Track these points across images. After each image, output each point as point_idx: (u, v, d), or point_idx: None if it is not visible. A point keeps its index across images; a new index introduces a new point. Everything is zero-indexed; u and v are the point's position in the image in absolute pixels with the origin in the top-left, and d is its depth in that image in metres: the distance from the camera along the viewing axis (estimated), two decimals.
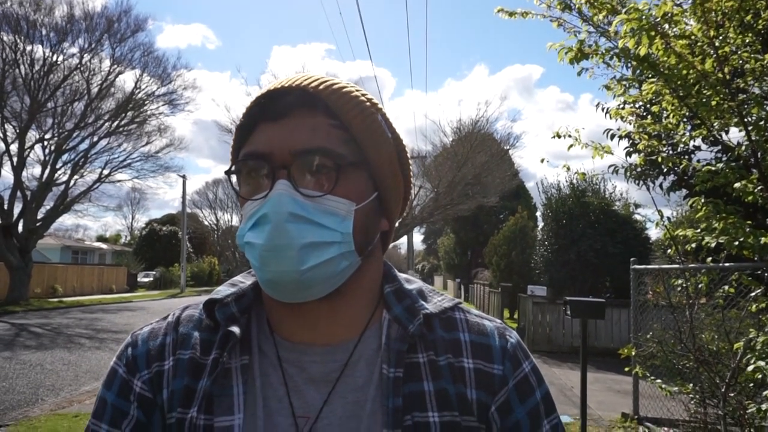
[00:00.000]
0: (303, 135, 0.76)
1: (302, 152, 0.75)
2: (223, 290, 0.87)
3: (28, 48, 23.34)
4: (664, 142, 4.32)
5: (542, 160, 4.95)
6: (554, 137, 4.45)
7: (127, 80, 39.69)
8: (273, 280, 0.75)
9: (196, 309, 0.88)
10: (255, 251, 0.75)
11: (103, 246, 51.02)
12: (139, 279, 41.53)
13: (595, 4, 3.61)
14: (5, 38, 22.58)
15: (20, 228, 23.72)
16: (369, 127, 0.81)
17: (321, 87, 0.78)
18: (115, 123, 26.26)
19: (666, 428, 6.06)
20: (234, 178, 0.83)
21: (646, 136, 4.11)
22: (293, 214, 0.73)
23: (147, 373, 0.82)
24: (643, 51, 3.19)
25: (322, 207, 0.75)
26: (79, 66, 24.45)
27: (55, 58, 23.87)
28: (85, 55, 24.53)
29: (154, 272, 43.72)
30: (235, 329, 0.79)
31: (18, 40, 22.77)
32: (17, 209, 23.58)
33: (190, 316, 0.87)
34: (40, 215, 24.79)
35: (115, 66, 25.53)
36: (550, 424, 0.84)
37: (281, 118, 0.78)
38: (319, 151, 0.76)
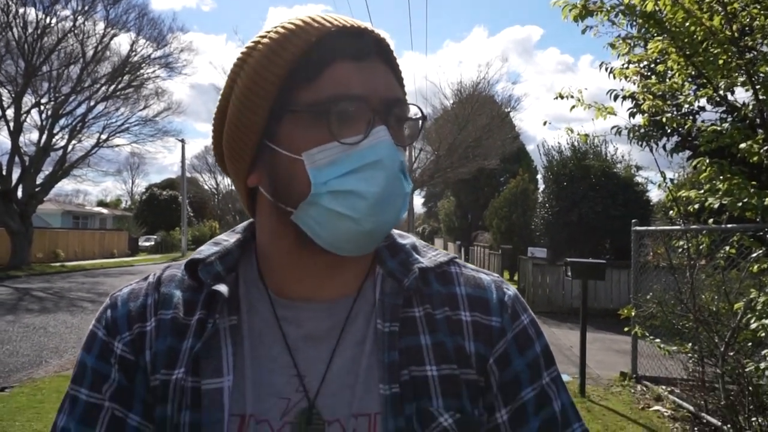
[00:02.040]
0: (390, 83, 0.74)
1: (394, 101, 0.73)
2: (205, 249, 0.83)
3: (21, 10, 22.91)
4: (668, 102, 4.26)
5: (545, 123, 4.90)
6: (557, 98, 4.40)
7: (122, 43, 39.12)
8: (371, 231, 0.71)
9: (178, 269, 0.84)
10: (361, 200, 0.69)
11: (104, 211, 51.00)
12: (140, 243, 41.69)
13: None
14: None
15: (20, 193, 23.68)
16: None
17: (382, 38, 0.76)
18: (112, 87, 25.97)
19: (664, 387, 6.15)
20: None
21: (650, 97, 4.05)
22: (402, 162, 0.72)
23: (128, 334, 0.78)
24: (650, 6, 3.11)
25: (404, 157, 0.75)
26: (72, 29, 24.03)
27: (48, 21, 23.46)
28: (79, 18, 24.08)
29: (155, 236, 43.88)
30: (222, 288, 0.75)
31: (10, 2, 22.30)
32: (16, 174, 23.51)
33: (171, 275, 0.83)
34: (39, 180, 24.72)
35: (110, 28, 25.12)
36: (550, 377, 0.81)
37: (362, 60, 0.72)
38: (405, 103, 0.76)
